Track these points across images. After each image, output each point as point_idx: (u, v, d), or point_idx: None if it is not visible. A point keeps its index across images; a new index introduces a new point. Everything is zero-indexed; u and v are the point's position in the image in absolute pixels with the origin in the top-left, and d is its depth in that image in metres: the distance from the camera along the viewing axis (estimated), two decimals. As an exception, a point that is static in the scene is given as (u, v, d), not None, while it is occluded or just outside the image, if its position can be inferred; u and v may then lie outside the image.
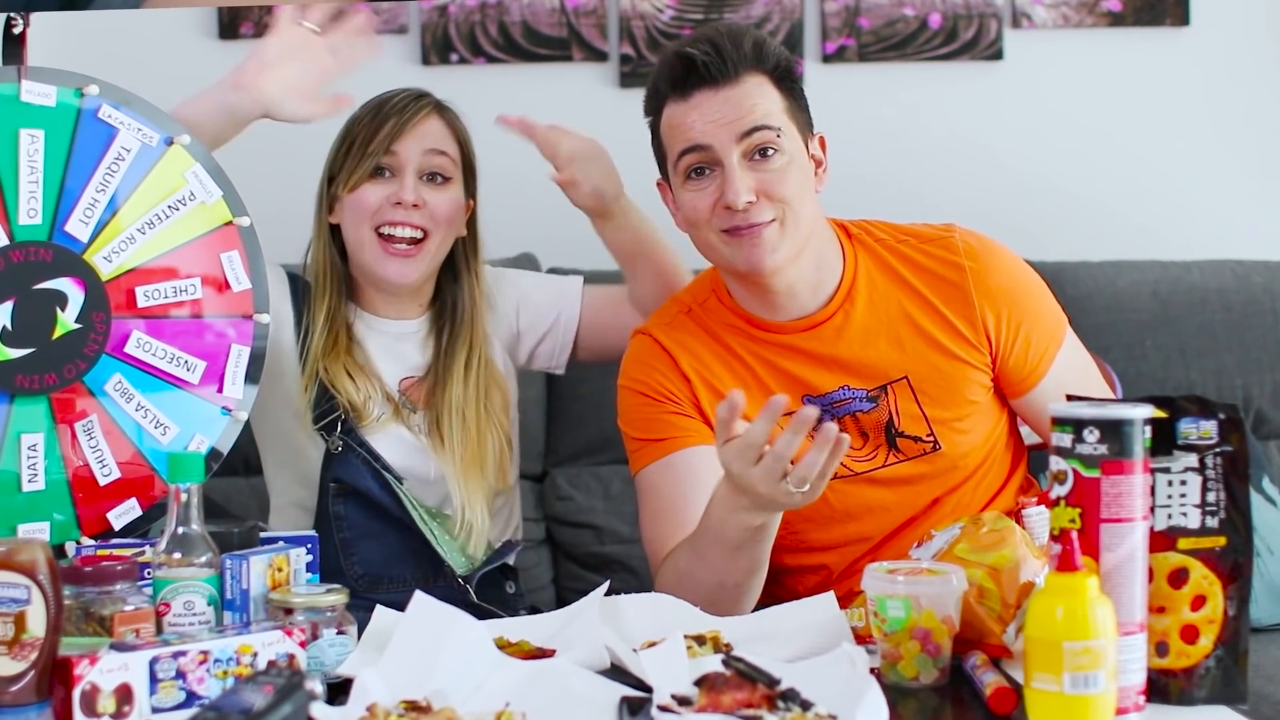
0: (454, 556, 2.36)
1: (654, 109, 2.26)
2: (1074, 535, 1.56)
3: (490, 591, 2.38)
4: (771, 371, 2.26)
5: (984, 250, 2.28)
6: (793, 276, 2.23)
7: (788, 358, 2.26)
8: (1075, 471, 1.60)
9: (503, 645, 1.81)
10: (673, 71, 2.21)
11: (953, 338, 2.24)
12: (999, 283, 2.26)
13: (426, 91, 2.48)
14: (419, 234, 2.40)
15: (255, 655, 1.67)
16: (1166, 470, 1.66)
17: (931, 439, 2.23)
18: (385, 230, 2.40)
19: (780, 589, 2.24)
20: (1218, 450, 1.66)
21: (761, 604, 2.26)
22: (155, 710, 1.60)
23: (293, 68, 2.28)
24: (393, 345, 2.47)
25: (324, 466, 2.39)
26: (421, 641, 1.72)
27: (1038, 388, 2.26)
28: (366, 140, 2.41)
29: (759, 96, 2.19)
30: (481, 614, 2.24)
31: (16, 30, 2.07)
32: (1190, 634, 1.66)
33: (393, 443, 2.40)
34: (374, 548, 2.39)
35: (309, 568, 1.89)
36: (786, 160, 2.19)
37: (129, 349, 2.08)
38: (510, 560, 2.46)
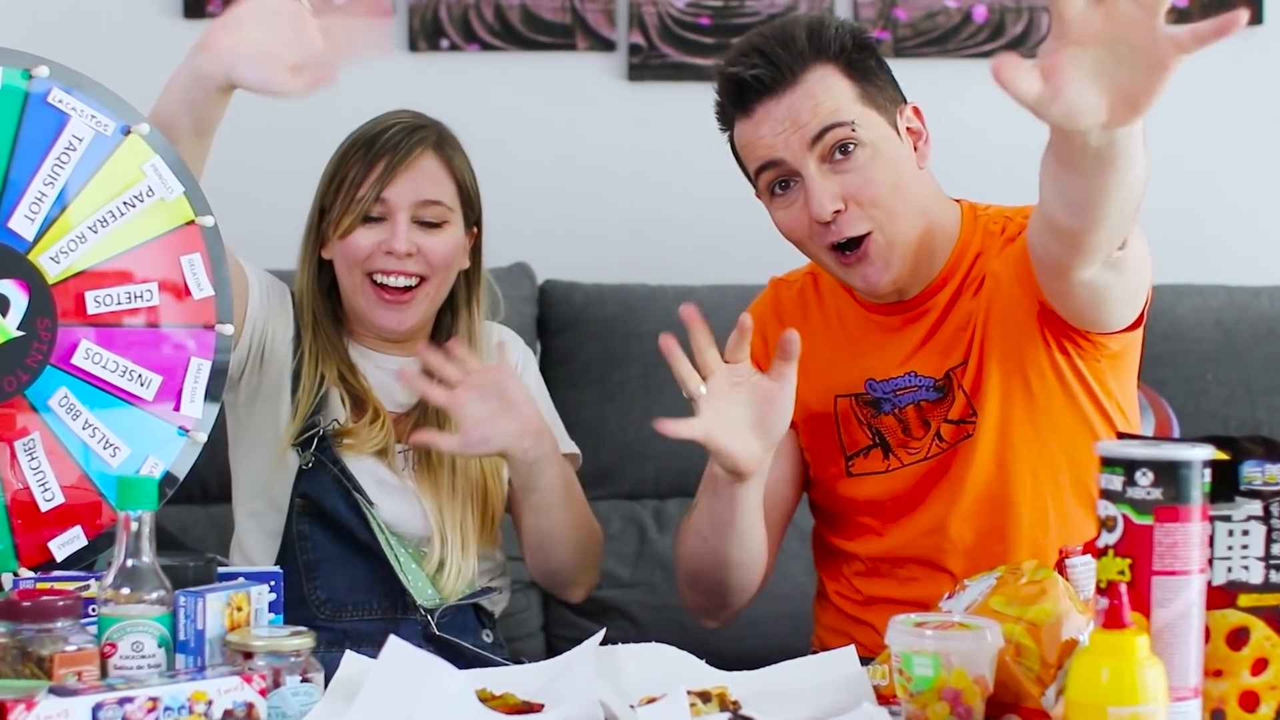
0: (419, 586, 2.40)
1: (726, 126, 2.32)
2: (1123, 589, 1.56)
3: (463, 634, 2.42)
4: (850, 347, 2.33)
5: None
6: (907, 275, 2.29)
7: (872, 335, 2.34)
8: (1126, 518, 1.60)
9: (486, 698, 1.81)
10: (729, 91, 2.27)
11: (1023, 322, 2.27)
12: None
13: (423, 123, 2.51)
14: (414, 280, 2.46)
15: (210, 704, 1.67)
16: (1227, 518, 1.66)
17: (974, 418, 2.27)
18: (379, 278, 2.45)
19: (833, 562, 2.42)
20: (1285, 497, 1.67)
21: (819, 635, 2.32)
22: (97, 762, 1.61)
23: (263, 31, 2.19)
24: (385, 380, 2.52)
25: (293, 483, 2.43)
26: (395, 691, 1.72)
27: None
28: (357, 182, 2.45)
29: (823, 93, 2.22)
30: (445, 648, 2.27)
31: (-40, 5, 2.08)
32: (1250, 701, 1.66)
33: (369, 473, 2.44)
34: (339, 573, 2.42)
35: (272, 607, 1.90)
36: (870, 153, 2.22)
37: (76, 360, 2.08)
38: (487, 605, 2.49)
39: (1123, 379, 2.31)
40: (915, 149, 2.29)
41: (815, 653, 2.35)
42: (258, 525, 2.49)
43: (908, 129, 2.29)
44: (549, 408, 2.59)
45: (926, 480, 2.31)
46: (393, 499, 2.44)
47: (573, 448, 2.57)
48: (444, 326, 2.56)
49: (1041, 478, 2.28)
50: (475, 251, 2.56)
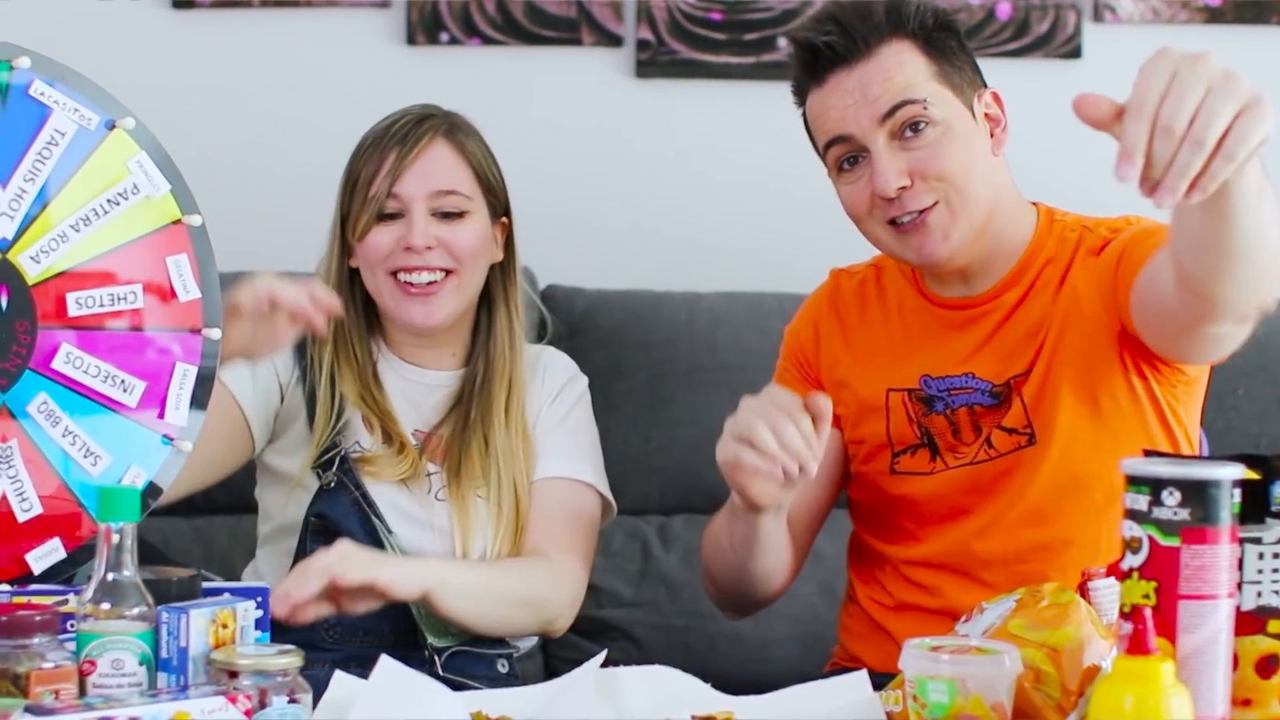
0: (429, 621, 2.38)
1: (800, 99, 2.35)
2: (1148, 613, 1.56)
3: (477, 667, 2.41)
4: (908, 340, 2.36)
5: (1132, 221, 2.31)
6: (968, 257, 2.30)
7: (932, 330, 2.36)
8: (1151, 539, 1.60)
9: (480, 722, 1.82)
10: (801, 59, 2.31)
11: (1099, 335, 2.27)
12: (1120, 237, 2.28)
13: (432, 112, 2.53)
14: (439, 275, 2.47)
15: (193, 725, 1.68)
16: (1257, 540, 1.66)
17: (1028, 430, 2.28)
18: (402, 276, 2.47)
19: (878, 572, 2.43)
20: (1318, 519, 1.67)
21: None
22: (75, 785, 1.61)
23: (249, 334, 2.23)
24: (415, 395, 2.53)
25: (310, 503, 2.45)
26: (386, 714, 1.72)
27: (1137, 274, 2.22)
28: (369, 180, 2.47)
29: (896, 68, 2.25)
30: (452, 688, 2.26)
31: (-63, -7, 2.09)
32: (1280, 732, 1.66)
33: (389, 501, 2.44)
34: None
35: (259, 625, 1.90)
36: (940, 132, 2.25)
37: (57, 365, 2.08)
38: (510, 639, 2.50)
39: (1191, 406, 2.34)
40: (992, 135, 2.32)
41: (837, 663, 2.38)
42: (276, 547, 2.51)
43: (985, 114, 2.32)
44: (590, 440, 2.62)
45: (971, 487, 2.32)
46: (412, 528, 2.44)
47: (604, 489, 2.57)
48: (481, 325, 2.57)
49: (1099, 500, 2.27)
50: (509, 245, 2.58)
